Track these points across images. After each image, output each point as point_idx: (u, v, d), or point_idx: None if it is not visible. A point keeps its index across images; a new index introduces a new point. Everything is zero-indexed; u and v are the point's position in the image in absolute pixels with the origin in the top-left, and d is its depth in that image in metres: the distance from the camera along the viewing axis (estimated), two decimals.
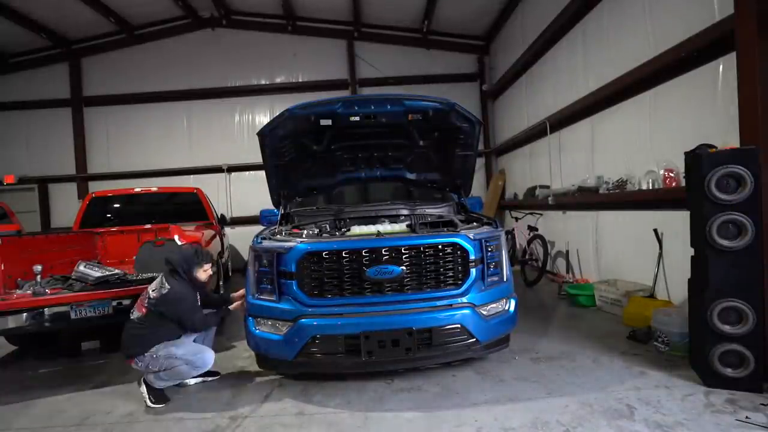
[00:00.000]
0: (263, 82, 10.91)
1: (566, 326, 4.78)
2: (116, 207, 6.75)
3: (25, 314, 3.89)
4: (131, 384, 3.80)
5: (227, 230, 8.65)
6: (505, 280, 3.61)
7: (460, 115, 3.96)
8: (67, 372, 4.20)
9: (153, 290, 3.43)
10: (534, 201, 7.85)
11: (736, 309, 3.05)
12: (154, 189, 6.96)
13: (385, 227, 3.76)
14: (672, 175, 4.41)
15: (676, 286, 4.46)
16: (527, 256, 7.35)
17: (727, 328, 3.07)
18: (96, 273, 4.21)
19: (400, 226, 3.82)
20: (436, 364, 3.58)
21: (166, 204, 6.95)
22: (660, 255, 4.65)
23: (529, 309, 5.43)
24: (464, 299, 3.31)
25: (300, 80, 10.89)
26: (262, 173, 4.54)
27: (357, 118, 3.94)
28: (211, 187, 9.37)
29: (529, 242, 7.35)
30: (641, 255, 5.02)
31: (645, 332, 4.11)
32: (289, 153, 4.26)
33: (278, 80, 10.91)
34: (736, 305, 3.04)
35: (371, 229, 3.68)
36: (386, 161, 4.66)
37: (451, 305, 3.28)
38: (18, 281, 4.32)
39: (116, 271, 4.36)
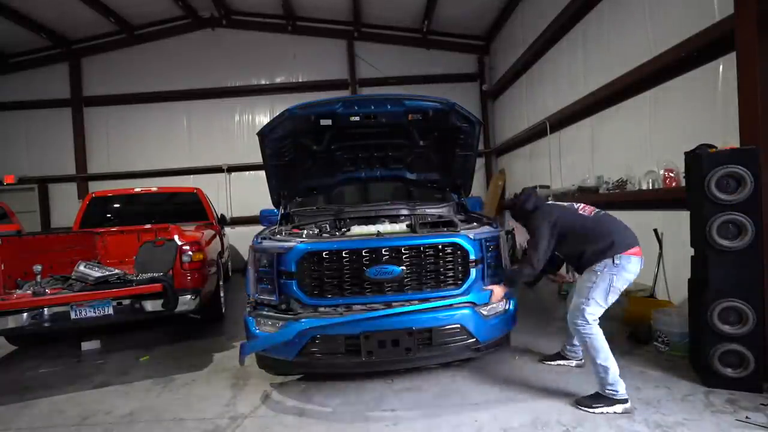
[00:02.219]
0: (263, 82, 10.91)
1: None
2: (116, 207, 6.75)
3: (25, 314, 3.89)
4: (131, 384, 3.81)
5: (227, 230, 8.64)
6: None
7: (460, 115, 3.96)
8: (67, 372, 4.20)
9: None
10: None
11: (736, 309, 3.05)
12: (154, 189, 6.96)
13: (385, 227, 3.75)
14: (672, 175, 4.41)
15: (676, 286, 4.46)
16: None
17: (727, 328, 3.07)
18: (96, 273, 4.20)
19: (400, 226, 3.81)
20: (436, 364, 3.58)
21: (166, 204, 6.95)
22: (660, 255, 4.65)
23: (529, 309, 5.42)
24: (464, 299, 3.31)
25: (300, 80, 10.89)
26: (262, 173, 4.54)
27: (357, 118, 3.95)
28: (211, 187, 9.37)
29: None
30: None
31: (645, 332, 4.11)
32: (289, 153, 4.26)
33: (278, 80, 10.91)
34: (736, 305, 3.04)
35: (371, 229, 3.67)
36: (386, 161, 4.65)
37: (451, 305, 3.27)
38: (18, 281, 4.33)
39: (116, 271, 4.36)
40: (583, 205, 3.32)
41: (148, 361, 4.39)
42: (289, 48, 10.80)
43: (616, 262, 2.98)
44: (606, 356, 2.91)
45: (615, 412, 2.85)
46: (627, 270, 3.00)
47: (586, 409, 2.92)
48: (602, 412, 2.86)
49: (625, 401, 2.89)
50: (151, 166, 10.60)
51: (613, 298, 3.04)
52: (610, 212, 5.89)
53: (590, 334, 2.97)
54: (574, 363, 3.65)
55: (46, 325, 3.97)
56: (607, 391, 2.91)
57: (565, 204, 3.38)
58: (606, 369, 2.90)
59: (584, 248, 3.08)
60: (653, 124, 4.86)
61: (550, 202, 3.43)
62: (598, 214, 3.22)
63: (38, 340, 5.15)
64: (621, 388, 2.89)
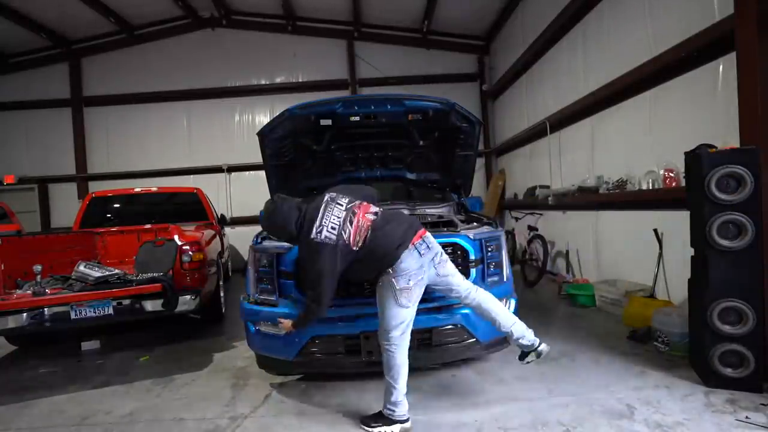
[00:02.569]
0: (263, 82, 10.91)
1: (566, 326, 4.78)
2: (116, 207, 6.75)
3: (25, 314, 3.89)
4: (131, 384, 3.81)
5: (227, 230, 8.64)
6: (505, 280, 3.60)
7: (460, 115, 3.96)
8: (67, 372, 4.20)
9: None
10: (534, 201, 7.85)
11: (736, 309, 3.05)
12: (154, 189, 6.96)
13: None
14: (672, 175, 4.41)
15: (676, 286, 4.46)
16: (527, 256, 7.35)
17: (727, 328, 3.07)
18: (96, 273, 4.20)
19: None
20: (436, 364, 3.57)
21: (166, 204, 6.94)
22: (660, 255, 4.65)
23: (530, 309, 5.42)
24: None
25: (300, 80, 10.89)
26: (262, 173, 4.54)
27: (357, 118, 3.94)
28: (211, 187, 9.37)
29: (529, 242, 7.35)
30: (641, 255, 5.02)
31: (645, 332, 4.11)
32: (289, 153, 4.26)
33: (278, 80, 10.91)
34: (736, 305, 3.04)
35: None
36: (386, 161, 4.65)
37: (451, 305, 3.27)
38: (18, 281, 4.33)
39: (116, 271, 4.36)
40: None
41: (148, 361, 4.39)
42: (289, 48, 10.80)
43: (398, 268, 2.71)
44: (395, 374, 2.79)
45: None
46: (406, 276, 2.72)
47: (365, 427, 2.84)
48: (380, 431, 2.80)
49: (404, 421, 2.80)
50: (151, 166, 10.60)
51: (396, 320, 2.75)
52: (610, 212, 5.89)
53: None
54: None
55: (46, 325, 3.96)
56: (386, 410, 2.82)
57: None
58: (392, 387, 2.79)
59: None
60: (653, 124, 4.86)
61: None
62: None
63: (38, 340, 5.15)
64: (401, 409, 2.80)
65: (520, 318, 2.99)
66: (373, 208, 2.90)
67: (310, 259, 2.73)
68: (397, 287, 2.70)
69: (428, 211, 4.43)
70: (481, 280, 3.40)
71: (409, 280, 2.72)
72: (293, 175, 4.52)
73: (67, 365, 4.39)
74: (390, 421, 2.80)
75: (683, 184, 4.10)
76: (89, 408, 3.38)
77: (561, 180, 7.10)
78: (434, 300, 3.26)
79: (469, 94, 10.76)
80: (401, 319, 2.75)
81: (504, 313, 2.94)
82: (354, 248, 2.72)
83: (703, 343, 3.16)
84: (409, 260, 2.73)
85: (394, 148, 4.49)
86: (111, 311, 4.09)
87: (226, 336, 5.06)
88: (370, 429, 2.83)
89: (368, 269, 2.81)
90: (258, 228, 4.13)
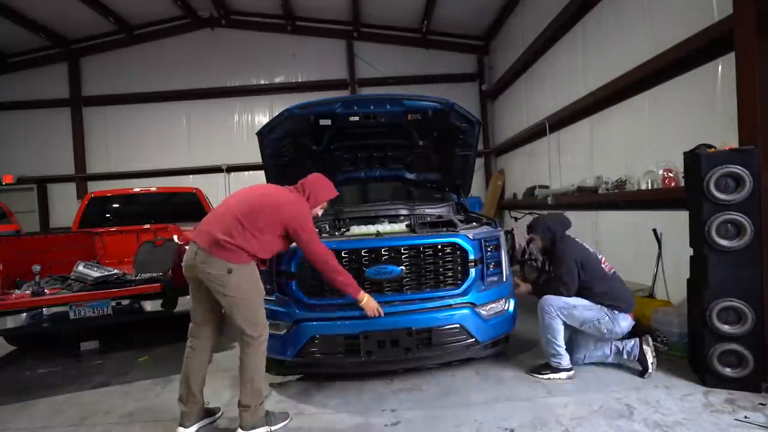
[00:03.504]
0: (262, 82, 10.92)
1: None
2: (115, 207, 6.74)
3: (24, 314, 3.88)
4: (131, 384, 3.80)
5: None
6: (504, 280, 3.61)
7: (460, 115, 3.96)
8: (66, 372, 4.19)
9: None
10: (533, 201, 7.85)
11: (735, 309, 3.05)
12: (153, 189, 6.94)
13: (385, 227, 3.76)
14: (671, 175, 4.42)
15: (675, 285, 4.46)
16: (526, 256, 7.34)
17: (726, 328, 3.07)
18: (95, 273, 4.19)
19: (400, 226, 3.82)
20: (436, 364, 3.57)
21: (165, 204, 6.93)
22: (659, 255, 4.65)
23: (529, 309, 5.42)
24: (464, 299, 3.31)
25: (299, 80, 10.90)
26: (261, 173, 4.54)
27: (356, 118, 3.94)
28: (211, 187, 9.36)
29: (529, 242, 7.34)
30: (640, 255, 5.03)
31: (644, 332, 4.10)
32: (288, 153, 4.26)
33: (277, 80, 10.92)
34: (735, 305, 3.04)
35: (371, 229, 3.67)
36: (386, 161, 4.65)
37: (450, 305, 3.27)
38: (17, 281, 4.32)
39: (115, 271, 4.35)
40: (603, 258, 3.59)
41: (148, 361, 4.38)
42: (288, 48, 10.81)
43: (617, 314, 3.43)
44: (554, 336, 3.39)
45: (560, 378, 3.35)
46: (619, 324, 3.42)
47: (536, 375, 3.43)
48: (549, 378, 3.37)
49: (568, 369, 3.38)
50: (150, 166, 10.61)
51: (580, 325, 3.42)
52: (610, 212, 5.91)
53: (552, 322, 3.40)
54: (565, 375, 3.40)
55: (45, 325, 3.96)
56: (552, 361, 3.41)
57: (589, 248, 3.60)
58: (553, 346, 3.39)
59: (598, 292, 3.43)
60: (653, 124, 4.87)
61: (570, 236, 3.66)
62: (615, 273, 3.57)
63: (37, 340, 5.14)
64: (564, 360, 3.38)
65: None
66: None
67: (563, 258, 3.51)
68: (599, 324, 3.48)
69: (428, 211, 4.42)
70: (480, 280, 3.40)
71: (605, 331, 3.49)
72: (292, 175, 4.48)
73: (66, 365, 4.38)
74: (557, 370, 3.38)
75: (682, 184, 4.11)
76: (88, 408, 3.38)
77: (560, 180, 7.10)
78: (433, 299, 3.27)
79: (468, 94, 10.78)
80: (562, 321, 3.45)
81: None
82: (603, 266, 3.61)
83: (702, 342, 3.16)
84: (627, 325, 3.57)
85: (393, 148, 4.49)
86: (110, 311, 4.08)
87: (225, 336, 5.02)
88: (540, 376, 3.39)
89: (607, 293, 3.53)
90: None
